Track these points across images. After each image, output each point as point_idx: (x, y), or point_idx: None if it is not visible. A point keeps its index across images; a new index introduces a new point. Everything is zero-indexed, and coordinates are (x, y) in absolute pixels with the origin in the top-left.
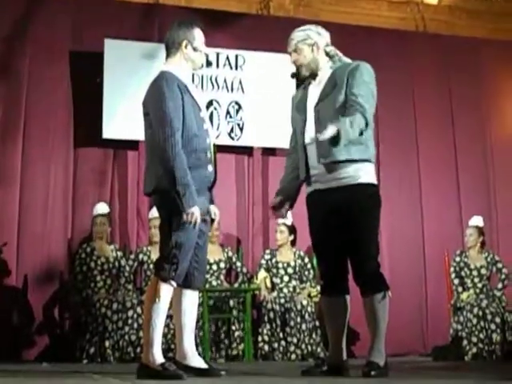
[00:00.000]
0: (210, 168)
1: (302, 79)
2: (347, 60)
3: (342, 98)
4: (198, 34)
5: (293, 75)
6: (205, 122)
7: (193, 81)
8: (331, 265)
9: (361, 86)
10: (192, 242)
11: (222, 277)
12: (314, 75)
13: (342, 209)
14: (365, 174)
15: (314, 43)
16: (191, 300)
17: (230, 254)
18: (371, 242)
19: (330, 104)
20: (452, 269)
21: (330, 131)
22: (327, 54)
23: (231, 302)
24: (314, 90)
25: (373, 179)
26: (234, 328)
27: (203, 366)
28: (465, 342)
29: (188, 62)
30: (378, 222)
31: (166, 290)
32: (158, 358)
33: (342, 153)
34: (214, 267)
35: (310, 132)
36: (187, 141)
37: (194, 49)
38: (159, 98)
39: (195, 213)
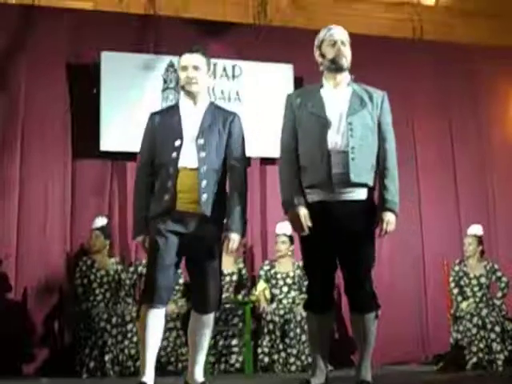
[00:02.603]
0: (166, 196)
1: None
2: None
3: (370, 121)
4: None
5: None
6: (177, 150)
7: None
8: (323, 281)
9: (388, 126)
10: (154, 266)
11: (231, 289)
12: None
13: (349, 222)
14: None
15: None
16: (198, 322)
17: (241, 265)
18: (371, 260)
19: (361, 122)
20: (451, 278)
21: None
22: None
23: (233, 314)
24: (333, 97)
25: None
26: (233, 340)
27: None
28: (465, 352)
29: (182, 89)
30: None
31: (143, 310)
32: (142, 375)
33: (372, 179)
34: (227, 279)
35: (334, 139)
36: (158, 170)
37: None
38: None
39: (138, 241)
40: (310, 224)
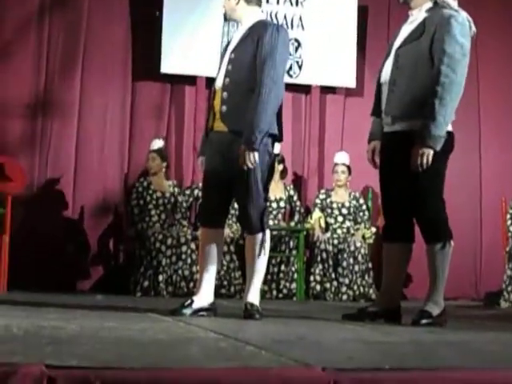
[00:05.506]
0: (209, 118)
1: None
2: (453, 5)
3: (424, 49)
4: None
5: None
6: (218, 71)
7: None
8: (394, 210)
9: (447, 49)
10: (202, 189)
11: (280, 216)
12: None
13: (406, 153)
14: None
15: None
16: (246, 243)
17: (292, 192)
18: (432, 189)
19: (411, 52)
20: (508, 215)
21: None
22: None
23: (284, 241)
24: (405, 29)
25: None
26: (282, 267)
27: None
28: None
29: None
30: (444, 170)
31: (200, 232)
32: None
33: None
34: (274, 205)
35: (386, 71)
36: None
37: None
38: None
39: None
40: (375, 158)
